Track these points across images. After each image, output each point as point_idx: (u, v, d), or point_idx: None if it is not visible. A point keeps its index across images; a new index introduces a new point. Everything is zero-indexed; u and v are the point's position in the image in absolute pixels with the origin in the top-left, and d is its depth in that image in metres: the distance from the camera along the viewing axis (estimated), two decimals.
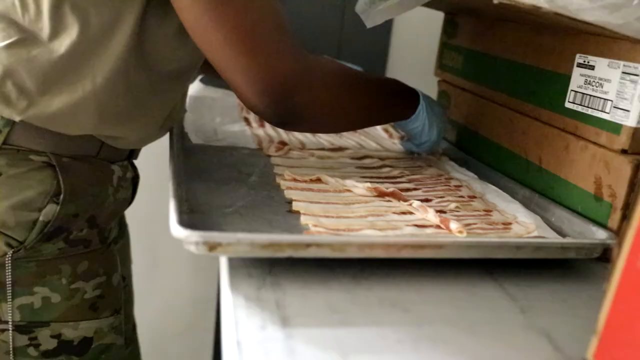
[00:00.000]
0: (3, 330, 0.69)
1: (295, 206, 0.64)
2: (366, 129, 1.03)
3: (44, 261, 0.69)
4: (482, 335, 0.49)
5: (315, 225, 0.59)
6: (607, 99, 0.65)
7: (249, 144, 0.89)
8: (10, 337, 0.69)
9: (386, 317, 0.50)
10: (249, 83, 0.63)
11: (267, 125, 1.00)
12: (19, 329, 0.69)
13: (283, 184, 0.71)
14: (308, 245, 0.51)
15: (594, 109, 0.67)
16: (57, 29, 0.64)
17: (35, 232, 0.67)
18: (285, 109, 0.65)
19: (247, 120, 1.02)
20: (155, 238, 1.45)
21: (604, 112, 0.66)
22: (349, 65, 0.80)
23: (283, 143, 0.88)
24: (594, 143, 0.68)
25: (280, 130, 0.97)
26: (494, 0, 0.60)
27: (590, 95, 0.68)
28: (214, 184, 0.69)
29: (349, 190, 0.70)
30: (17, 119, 0.65)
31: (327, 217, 0.62)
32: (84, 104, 0.66)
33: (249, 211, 0.62)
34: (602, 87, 0.66)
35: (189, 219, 0.54)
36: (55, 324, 0.70)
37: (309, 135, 0.96)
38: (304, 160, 0.83)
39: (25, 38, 0.64)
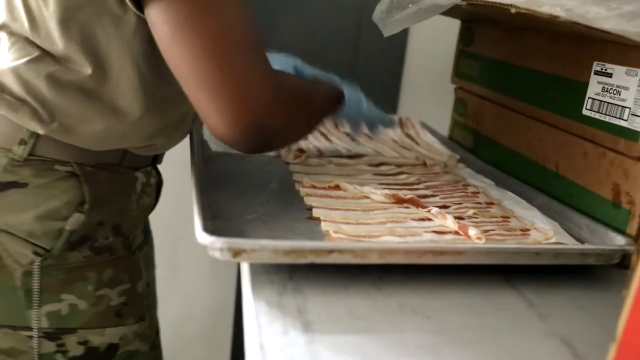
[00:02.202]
0: (31, 337, 0.70)
1: (315, 213, 0.65)
2: (383, 138, 1.04)
3: (71, 269, 0.70)
4: (502, 342, 0.49)
5: (336, 232, 0.60)
6: (625, 107, 0.66)
7: None
8: (36, 344, 0.70)
9: (407, 323, 0.50)
10: (220, 112, 0.58)
11: None
12: (47, 335, 0.70)
13: (302, 190, 0.72)
14: (330, 251, 0.52)
15: (612, 117, 0.68)
16: (69, 48, 0.63)
17: (62, 240, 0.68)
18: (257, 136, 0.61)
19: None
20: (173, 244, 1.47)
21: (622, 119, 0.66)
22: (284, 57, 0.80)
23: (301, 150, 0.89)
24: (612, 150, 0.68)
25: None
26: (511, 10, 0.61)
27: (608, 103, 0.68)
28: (234, 191, 0.71)
29: (367, 197, 0.71)
30: (40, 132, 0.66)
31: (347, 223, 0.63)
32: (108, 130, 0.68)
33: (270, 218, 0.63)
34: (619, 94, 0.66)
35: (212, 226, 0.55)
36: (82, 331, 0.71)
37: (325, 142, 0.97)
38: (321, 167, 0.84)
39: (44, 55, 0.64)
